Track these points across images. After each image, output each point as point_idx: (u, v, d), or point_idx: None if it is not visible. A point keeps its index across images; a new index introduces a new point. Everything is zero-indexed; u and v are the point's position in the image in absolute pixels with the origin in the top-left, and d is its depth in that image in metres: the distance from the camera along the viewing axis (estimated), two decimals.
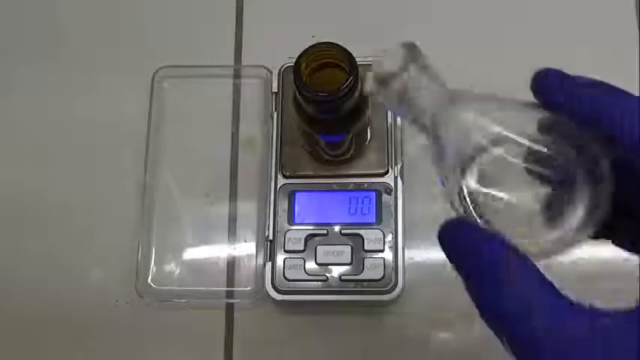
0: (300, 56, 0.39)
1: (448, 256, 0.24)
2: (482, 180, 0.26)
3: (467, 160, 0.26)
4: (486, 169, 0.26)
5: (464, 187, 0.26)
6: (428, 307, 0.47)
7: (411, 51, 0.27)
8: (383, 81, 0.27)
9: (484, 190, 0.26)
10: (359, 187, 0.47)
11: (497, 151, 0.26)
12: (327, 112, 0.40)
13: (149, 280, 0.48)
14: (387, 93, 0.27)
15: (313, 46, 0.39)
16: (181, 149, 0.51)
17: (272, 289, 0.46)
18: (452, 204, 0.27)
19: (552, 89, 0.25)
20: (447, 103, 0.27)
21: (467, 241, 0.24)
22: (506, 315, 0.22)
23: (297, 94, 0.40)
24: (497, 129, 0.26)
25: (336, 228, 0.46)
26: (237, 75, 0.52)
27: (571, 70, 0.25)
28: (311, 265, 0.46)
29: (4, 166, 0.52)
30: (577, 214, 0.24)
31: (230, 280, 0.48)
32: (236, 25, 0.53)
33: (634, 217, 0.25)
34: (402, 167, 0.47)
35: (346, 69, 0.38)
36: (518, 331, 0.22)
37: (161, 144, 0.51)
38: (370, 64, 0.28)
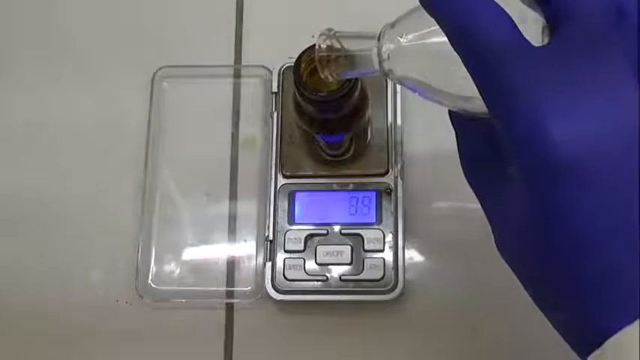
0: (300, 56, 0.39)
1: None
2: None
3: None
4: None
5: None
6: (428, 307, 0.47)
7: (326, 33, 0.33)
8: (324, 61, 0.33)
9: None
10: (359, 187, 0.47)
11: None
12: (327, 112, 0.40)
13: (149, 280, 0.48)
14: (333, 66, 0.33)
15: (313, 46, 0.39)
16: (181, 149, 0.51)
17: (272, 289, 0.46)
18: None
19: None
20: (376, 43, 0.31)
21: None
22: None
23: (297, 94, 0.40)
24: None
25: (336, 228, 0.46)
26: (237, 75, 0.52)
27: None
28: (311, 265, 0.46)
29: (4, 166, 0.52)
30: None
31: (230, 280, 0.48)
32: (236, 25, 0.53)
33: None
34: (402, 167, 0.47)
35: None
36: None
37: (161, 144, 0.51)
38: None
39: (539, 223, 0.23)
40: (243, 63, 0.52)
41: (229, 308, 0.48)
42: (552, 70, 0.23)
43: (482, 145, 0.29)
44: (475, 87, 0.24)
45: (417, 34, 0.30)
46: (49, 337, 0.48)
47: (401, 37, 0.30)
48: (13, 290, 0.49)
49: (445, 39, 0.25)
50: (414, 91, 0.31)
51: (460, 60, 0.25)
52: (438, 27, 0.27)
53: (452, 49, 0.25)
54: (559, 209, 0.22)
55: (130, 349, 0.48)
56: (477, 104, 0.27)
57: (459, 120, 0.31)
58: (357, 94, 0.40)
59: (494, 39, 0.23)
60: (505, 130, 0.23)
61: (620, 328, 0.21)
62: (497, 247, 0.27)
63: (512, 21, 0.24)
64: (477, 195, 0.29)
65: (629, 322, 0.21)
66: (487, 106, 0.24)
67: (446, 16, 0.25)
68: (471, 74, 0.24)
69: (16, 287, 0.49)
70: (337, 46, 0.33)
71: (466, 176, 0.30)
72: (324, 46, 0.33)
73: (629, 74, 0.22)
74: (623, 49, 0.23)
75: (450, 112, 0.32)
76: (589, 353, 0.22)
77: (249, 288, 0.48)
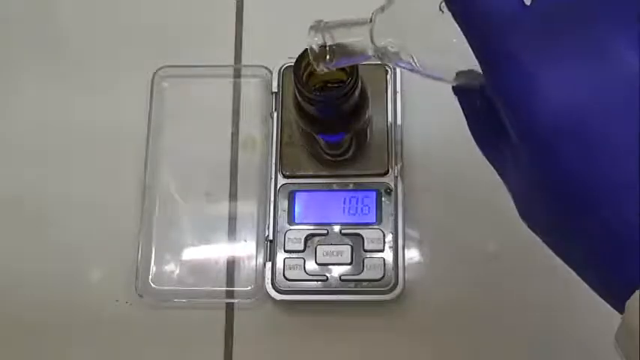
0: (300, 56, 0.39)
1: None
2: None
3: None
4: None
5: None
6: (428, 307, 0.47)
7: (316, 26, 0.34)
8: (319, 57, 0.33)
9: None
10: (359, 187, 0.47)
11: None
12: (327, 112, 0.40)
13: (149, 280, 0.48)
14: (328, 59, 0.33)
15: None
16: (181, 149, 0.51)
17: (272, 289, 0.46)
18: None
19: None
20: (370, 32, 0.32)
21: None
22: None
23: (297, 94, 0.40)
24: None
25: (336, 228, 0.46)
26: (237, 75, 0.52)
27: None
28: (311, 265, 0.46)
29: (4, 166, 0.52)
30: None
31: (230, 280, 0.48)
32: (236, 25, 0.53)
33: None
34: (402, 167, 0.47)
35: (346, 69, 0.38)
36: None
37: (161, 144, 0.51)
38: None
39: (543, 187, 0.23)
40: (243, 63, 0.52)
41: (229, 308, 0.48)
42: (541, 35, 0.22)
43: (488, 116, 0.28)
44: (472, 58, 0.24)
45: (409, 12, 0.30)
46: (49, 336, 0.48)
47: (395, 18, 0.30)
48: (13, 290, 0.49)
49: (438, 10, 0.25)
50: (412, 70, 0.31)
51: (457, 31, 0.25)
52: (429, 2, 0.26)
53: (448, 21, 0.25)
54: (558, 173, 0.22)
55: (130, 349, 0.48)
56: (475, 75, 0.27)
57: (463, 93, 0.31)
58: (357, 94, 0.40)
59: (492, 4, 0.23)
60: (499, 101, 0.23)
61: None
62: (520, 215, 0.26)
63: None
64: (493, 166, 0.29)
65: None
66: (484, 76, 0.24)
67: None
68: (470, 43, 0.24)
69: (16, 287, 0.49)
70: (329, 38, 0.33)
71: (480, 148, 0.30)
72: (316, 46, 0.34)
73: (616, 34, 0.22)
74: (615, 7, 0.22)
75: (454, 88, 0.31)
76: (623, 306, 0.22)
77: (249, 288, 0.48)
